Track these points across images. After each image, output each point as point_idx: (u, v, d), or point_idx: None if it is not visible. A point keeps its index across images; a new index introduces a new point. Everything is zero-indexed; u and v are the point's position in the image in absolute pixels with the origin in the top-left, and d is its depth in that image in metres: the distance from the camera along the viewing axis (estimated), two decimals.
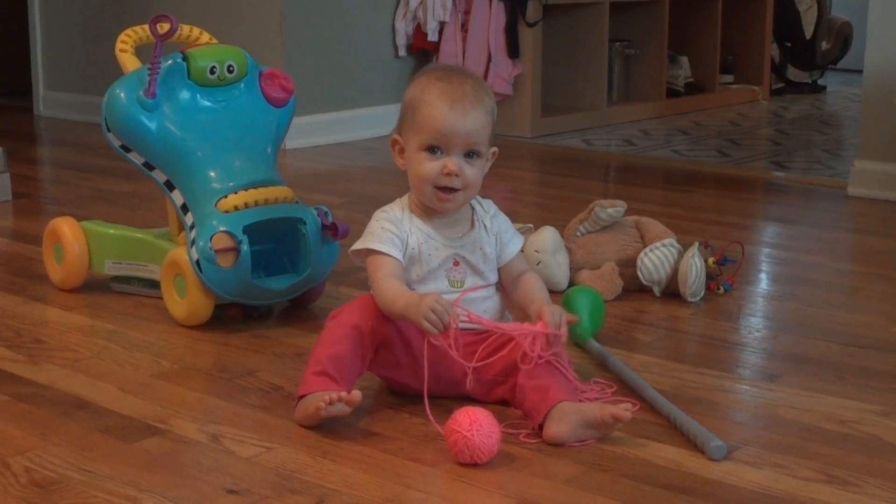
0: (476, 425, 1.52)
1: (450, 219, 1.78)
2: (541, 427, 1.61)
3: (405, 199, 1.80)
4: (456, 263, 1.77)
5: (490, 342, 1.71)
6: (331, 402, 1.60)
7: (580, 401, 1.67)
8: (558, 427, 1.59)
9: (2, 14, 5.33)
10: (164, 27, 2.15)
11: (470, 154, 1.74)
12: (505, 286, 1.83)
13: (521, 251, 1.85)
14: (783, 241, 2.98)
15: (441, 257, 1.76)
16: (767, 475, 1.52)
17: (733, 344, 2.10)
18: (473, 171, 1.74)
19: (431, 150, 1.73)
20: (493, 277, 1.81)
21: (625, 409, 1.59)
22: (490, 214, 1.82)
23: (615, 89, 5.00)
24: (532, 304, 1.75)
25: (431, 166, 1.72)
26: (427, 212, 1.77)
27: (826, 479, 1.51)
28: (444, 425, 1.56)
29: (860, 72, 3.43)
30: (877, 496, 1.46)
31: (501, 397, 1.73)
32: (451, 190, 1.73)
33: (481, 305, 1.76)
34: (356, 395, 1.62)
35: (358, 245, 1.76)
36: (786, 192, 3.61)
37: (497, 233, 1.81)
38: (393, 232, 1.74)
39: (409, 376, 1.74)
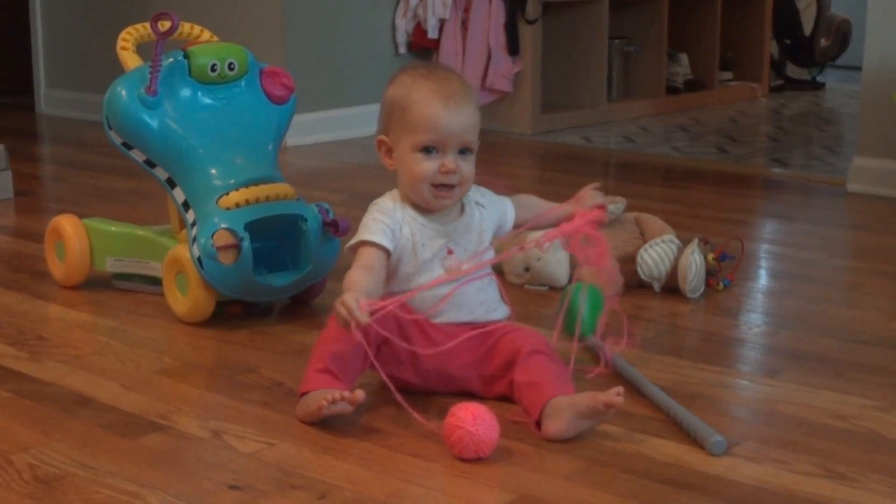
0: (479, 420, 1.53)
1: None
2: (538, 423, 1.62)
3: (395, 191, 1.80)
4: (450, 252, 1.77)
5: (490, 336, 1.72)
6: (333, 402, 1.60)
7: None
8: (555, 424, 1.60)
9: (3, 12, 5.33)
10: (165, 25, 2.15)
11: (463, 150, 1.74)
12: (527, 224, 1.86)
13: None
14: (782, 237, 2.99)
15: (434, 247, 1.76)
16: (767, 470, 1.53)
17: (733, 340, 2.10)
18: (469, 167, 1.75)
19: (426, 150, 1.73)
20: (488, 257, 1.81)
21: (616, 394, 1.58)
22: (480, 192, 1.83)
23: (615, 86, 4.99)
24: (558, 211, 1.85)
25: (428, 166, 1.72)
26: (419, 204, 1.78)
27: (825, 474, 1.51)
28: (443, 422, 1.56)
29: (859, 69, 3.43)
30: (876, 491, 1.47)
31: (501, 393, 1.73)
32: (449, 187, 1.74)
33: (477, 297, 1.77)
34: (359, 394, 1.62)
35: (352, 241, 1.76)
36: (785, 188, 3.62)
37: (492, 209, 1.82)
38: (384, 222, 1.74)
39: (410, 373, 1.74)
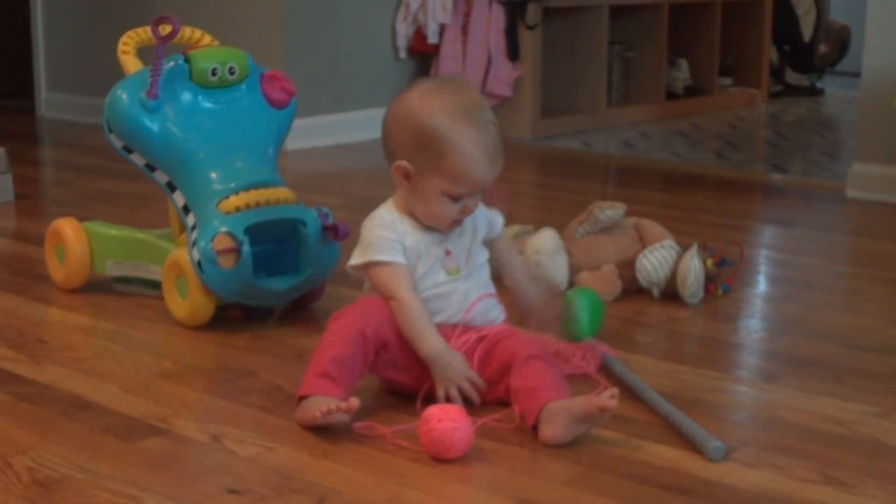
0: (452, 411, 1.56)
1: None
2: (535, 428, 1.62)
3: (390, 202, 1.80)
4: (448, 253, 1.78)
5: (487, 341, 1.73)
6: (329, 412, 1.60)
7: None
8: (551, 429, 1.60)
9: (4, 15, 5.34)
10: (165, 29, 2.16)
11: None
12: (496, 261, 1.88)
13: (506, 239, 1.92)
14: (782, 243, 2.99)
15: (434, 252, 1.77)
16: (765, 476, 1.53)
17: (732, 345, 2.11)
18: (479, 199, 1.78)
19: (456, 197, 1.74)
20: (483, 257, 1.83)
21: (610, 397, 1.58)
22: None
23: (614, 92, 5.01)
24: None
25: (452, 209, 1.74)
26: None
27: (824, 480, 1.52)
28: (422, 431, 1.56)
29: (858, 75, 3.44)
30: (875, 497, 1.47)
31: (499, 397, 1.73)
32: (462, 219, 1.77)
33: (489, 315, 1.79)
34: (353, 402, 1.61)
35: (357, 260, 1.76)
36: (784, 194, 3.62)
37: (482, 209, 1.83)
38: (391, 238, 1.75)
39: (406, 377, 1.75)
